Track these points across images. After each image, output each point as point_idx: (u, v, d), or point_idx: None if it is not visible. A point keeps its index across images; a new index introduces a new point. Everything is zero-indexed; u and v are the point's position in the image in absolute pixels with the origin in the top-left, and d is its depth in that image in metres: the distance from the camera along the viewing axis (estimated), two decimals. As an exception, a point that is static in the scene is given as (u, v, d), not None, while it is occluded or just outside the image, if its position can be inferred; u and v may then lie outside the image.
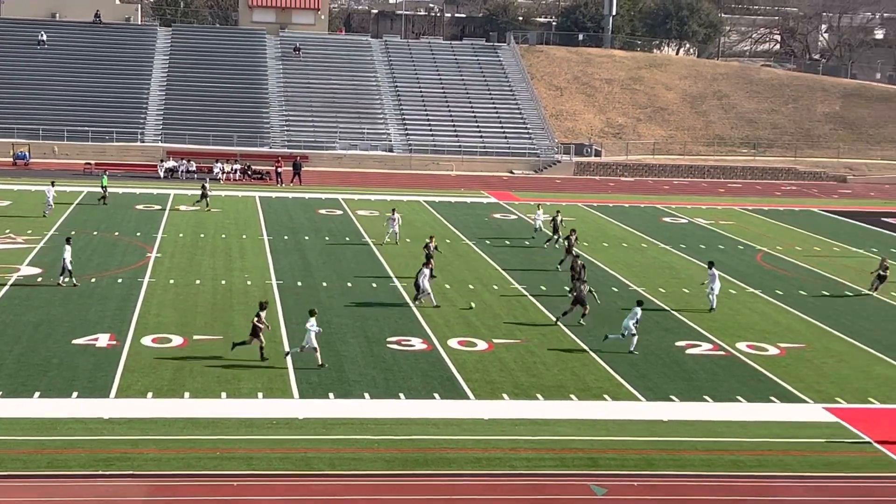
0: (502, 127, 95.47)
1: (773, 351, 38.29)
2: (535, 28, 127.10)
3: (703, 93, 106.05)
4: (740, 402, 32.67)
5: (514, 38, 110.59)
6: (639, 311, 37.29)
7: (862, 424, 30.96)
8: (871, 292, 47.31)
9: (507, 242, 57.39)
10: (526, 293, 45.60)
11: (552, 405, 31.64)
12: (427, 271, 42.93)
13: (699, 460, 27.78)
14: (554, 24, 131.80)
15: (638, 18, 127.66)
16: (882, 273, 47.20)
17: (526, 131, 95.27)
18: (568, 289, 45.39)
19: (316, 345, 33.99)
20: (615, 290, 46.97)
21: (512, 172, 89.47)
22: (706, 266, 45.76)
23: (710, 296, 43.49)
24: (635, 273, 50.65)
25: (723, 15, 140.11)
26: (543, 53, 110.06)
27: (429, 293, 42.40)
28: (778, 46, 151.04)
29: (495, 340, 37.92)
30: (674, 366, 35.95)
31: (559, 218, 56.50)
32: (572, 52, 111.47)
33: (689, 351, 37.71)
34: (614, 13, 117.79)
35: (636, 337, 37.10)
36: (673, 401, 32.51)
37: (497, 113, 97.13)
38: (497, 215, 66.79)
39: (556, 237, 55.64)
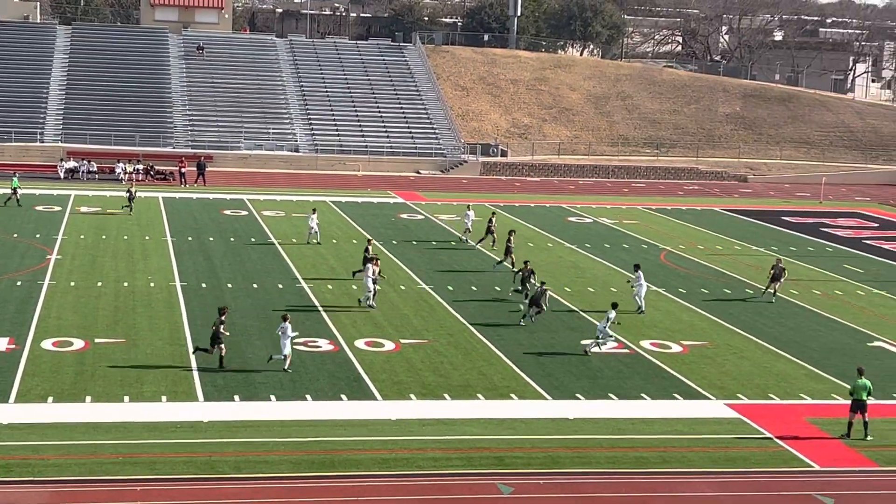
0: (409, 127, 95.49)
1: (676, 348, 38.80)
2: (440, 28, 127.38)
3: (606, 93, 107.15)
4: (644, 400, 33.05)
5: (420, 39, 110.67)
6: (613, 313, 37.63)
7: (763, 420, 31.52)
8: (771, 294, 47.25)
9: (414, 242, 57.40)
10: (433, 293, 45.66)
11: (459, 405, 31.70)
12: (374, 269, 42.79)
13: (604, 457, 28.05)
14: (459, 24, 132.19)
15: (542, 19, 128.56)
16: (776, 274, 47.08)
17: (432, 131, 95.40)
18: (512, 290, 45.63)
19: (289, 351, 33.80)
20: (520, 288, 47.14)
21: (418, 172, 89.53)
22: (632, 269, 45.80)
23: (637, 297, 43.86)
24: (541, 272, 50.75)
25: (625, 16, 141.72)
26: (449, 54, 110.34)
27: (369, 294, 42.34)
28: (680, 48, 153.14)
29: (402, 341, 37.88)
30: (579, 364, 36.23)
31: (493, 220, 56.51)
32: (478, 52, 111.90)
33: (593, 350, 37.97)
34: (519, 14, 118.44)
35: (612, 338, 37.57)
36: (579, 399, 32.78)
37: (403, 113, 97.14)
38: (404, 215, 66.77)
39: (490, 237, 55.56)
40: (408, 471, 26.53)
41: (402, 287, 46.63)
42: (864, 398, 30.02)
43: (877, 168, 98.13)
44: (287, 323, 33.93)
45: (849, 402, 30.50)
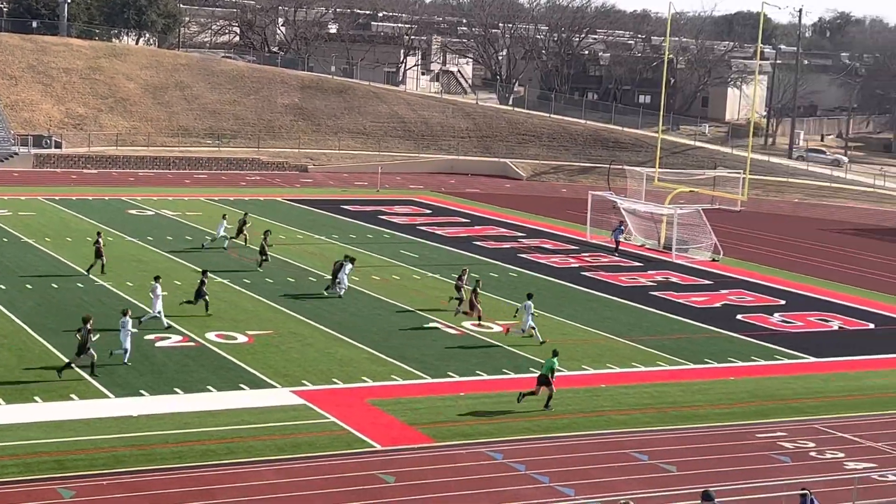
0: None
1: (241, 339, 38.93)
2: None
3: (164, 84, 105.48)
4: (211, 392, 32.95)
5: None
6: (530, 303, 39.97)
7: (327, 405, 32.28)
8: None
9: (-39, 240, 54.16)
10: (-17, 293, 43.33)
11: (15, 409, 30.24)
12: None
13: (170, 453, 27.71)
14: (5, 10, 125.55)
15: (95, 7, 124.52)
16: (458, 286, 44.66)
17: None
18: (327, 288, 46.12)
19: (129, 345, 33.99)
20: (80, 285, 45.69)
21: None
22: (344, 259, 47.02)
23: (339, 288, 45.76)
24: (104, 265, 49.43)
25: (181, 5, 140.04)
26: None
27: (160, 317, 39.33)
28: (238, 38, 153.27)
29: (-50, 345, 35.64)
30: (143, 360, 35.55)
31: (245, 220, 56.28)
32: (26, 39, 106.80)
33: (158, 344, 37.48)
34: (69, 0, 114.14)
35: (535, 328, 40.08)
36: (143, 395, 32.19)
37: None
38: (-51, 212, 62.80)
39: (239, 238, 55.50)
40: (-41, 483, 25.03)
41: (-51, 288, 43.86)
42: (548, 375, 32.55)
43: (428, 157, 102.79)
44: (127, 317, 34.44)
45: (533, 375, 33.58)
